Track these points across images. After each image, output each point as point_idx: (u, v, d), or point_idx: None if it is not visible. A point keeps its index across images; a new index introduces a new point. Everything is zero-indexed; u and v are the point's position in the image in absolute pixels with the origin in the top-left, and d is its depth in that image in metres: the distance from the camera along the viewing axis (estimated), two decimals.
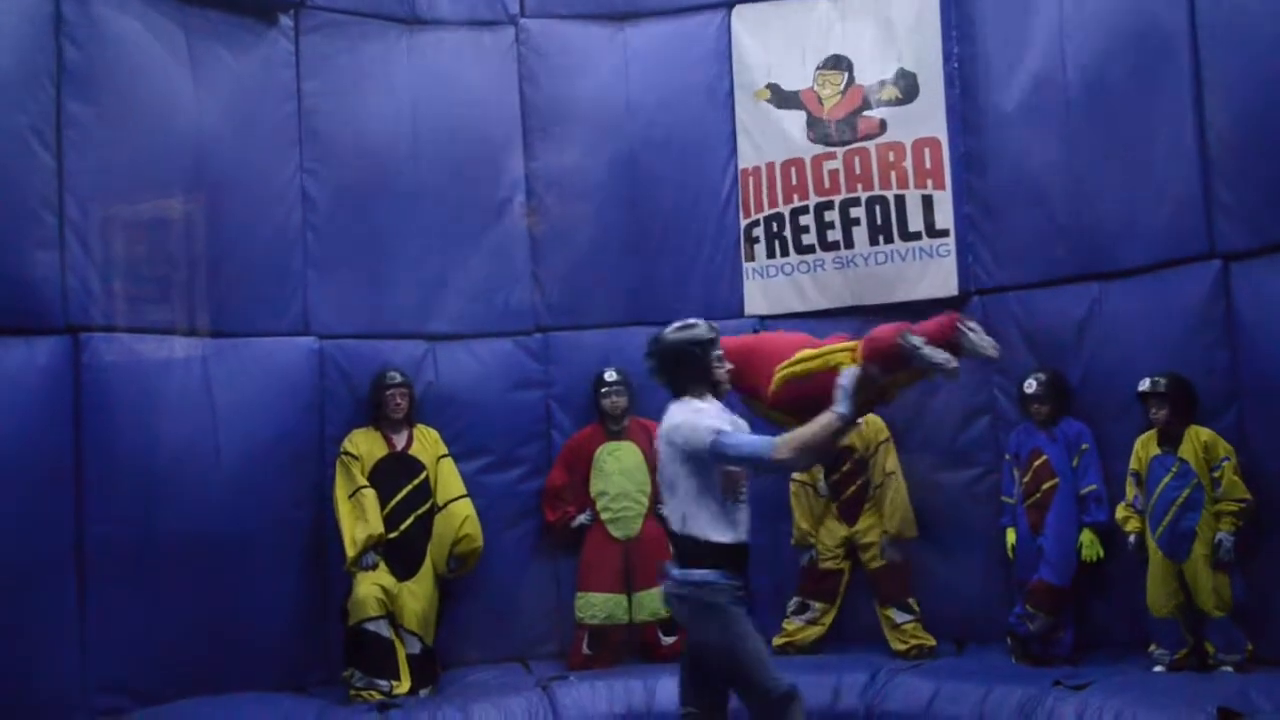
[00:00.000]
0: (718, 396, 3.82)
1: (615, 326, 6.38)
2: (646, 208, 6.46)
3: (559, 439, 6.26)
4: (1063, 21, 5.70)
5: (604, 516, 6.00)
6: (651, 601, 5.86)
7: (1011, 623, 5.49)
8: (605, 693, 5.38)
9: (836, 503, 5.99)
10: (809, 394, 3.67)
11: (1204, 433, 4.99)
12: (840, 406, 3.48)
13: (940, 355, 3.55)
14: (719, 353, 3.81)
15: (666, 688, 5.34)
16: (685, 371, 3.77)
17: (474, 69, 6.39)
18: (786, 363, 3.86)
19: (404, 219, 6.12)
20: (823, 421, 3.47)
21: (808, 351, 3.86)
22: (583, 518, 6.06)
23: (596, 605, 5.87)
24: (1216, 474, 4.92)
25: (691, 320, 3.87)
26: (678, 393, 3.78)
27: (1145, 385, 5.07)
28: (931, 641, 5.76)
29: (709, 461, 3.57)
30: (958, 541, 5.94)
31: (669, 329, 3.87)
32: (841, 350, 3.77)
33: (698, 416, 3.64)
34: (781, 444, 3.47)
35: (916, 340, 3.56)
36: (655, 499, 6.02)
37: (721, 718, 3.80)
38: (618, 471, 6.02)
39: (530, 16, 6.51)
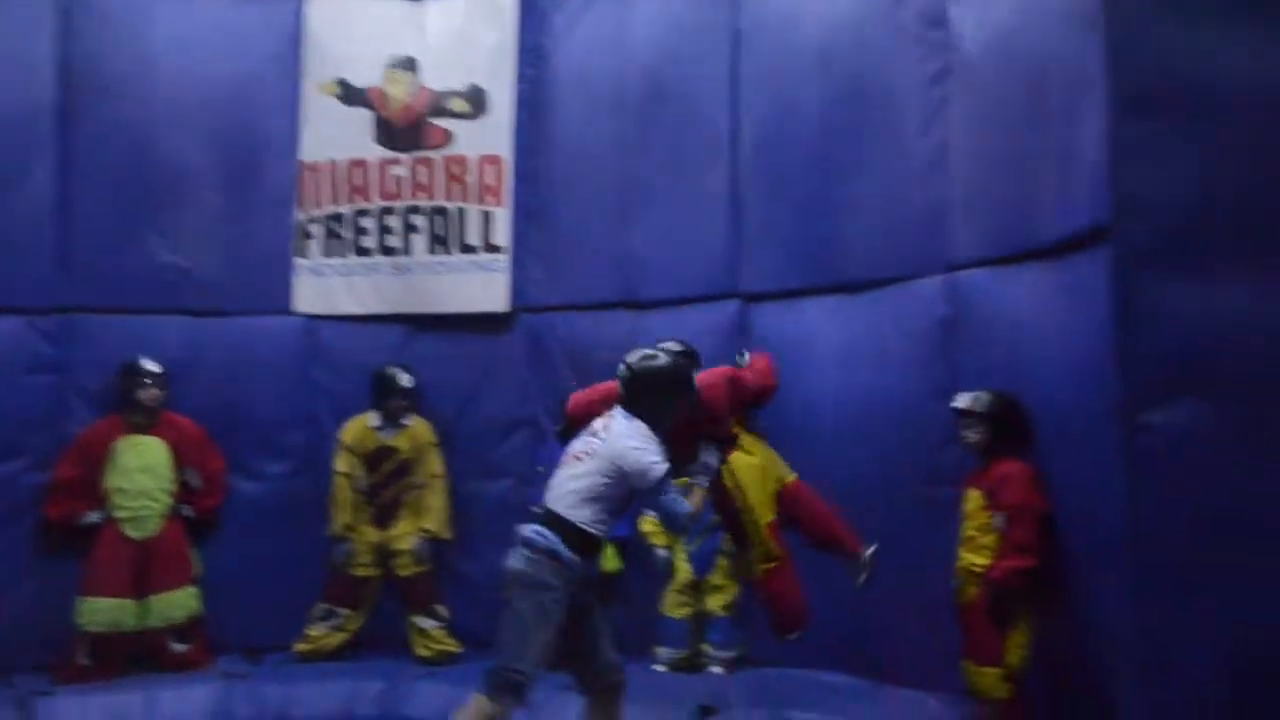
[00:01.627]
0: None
1: (144, 313, 5.97)
2: (199, 192, 6.11)
3: (73, 430, 5.73)
4: (624, 65, 6.07)
5: (119, 515, 5.55)
6: (166, 606, 5.52)
7: None
8: (97, 708, 4.96)
9: (372, 506, 5.91)
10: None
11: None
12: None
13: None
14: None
15: (169, 700, 5.07)
16: (662, 403, 3.89)
17: None
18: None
19: None
20: (700, 491, 3.97)
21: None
22: (93, 516, 5.57)
23: (101, 611, 5.40)
24: None
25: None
26: (640, 415, 3.87)
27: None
28: (457, 648, 5.80)
29: (639, 489, 3.78)
30: (489, 550, 6.06)
31: (671, 354, 4.03)
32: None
33: (652, 449, 3.79)
34: (689, 511, 3.83)
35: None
36: (179, 498, 5.69)
37: (586, 663, 3.98)
38: (139, 468, 5.61)
39: None
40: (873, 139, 5.19)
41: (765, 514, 4.14)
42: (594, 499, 3.83)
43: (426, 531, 5.90)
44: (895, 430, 4.94)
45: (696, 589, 5.53)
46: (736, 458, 4.13)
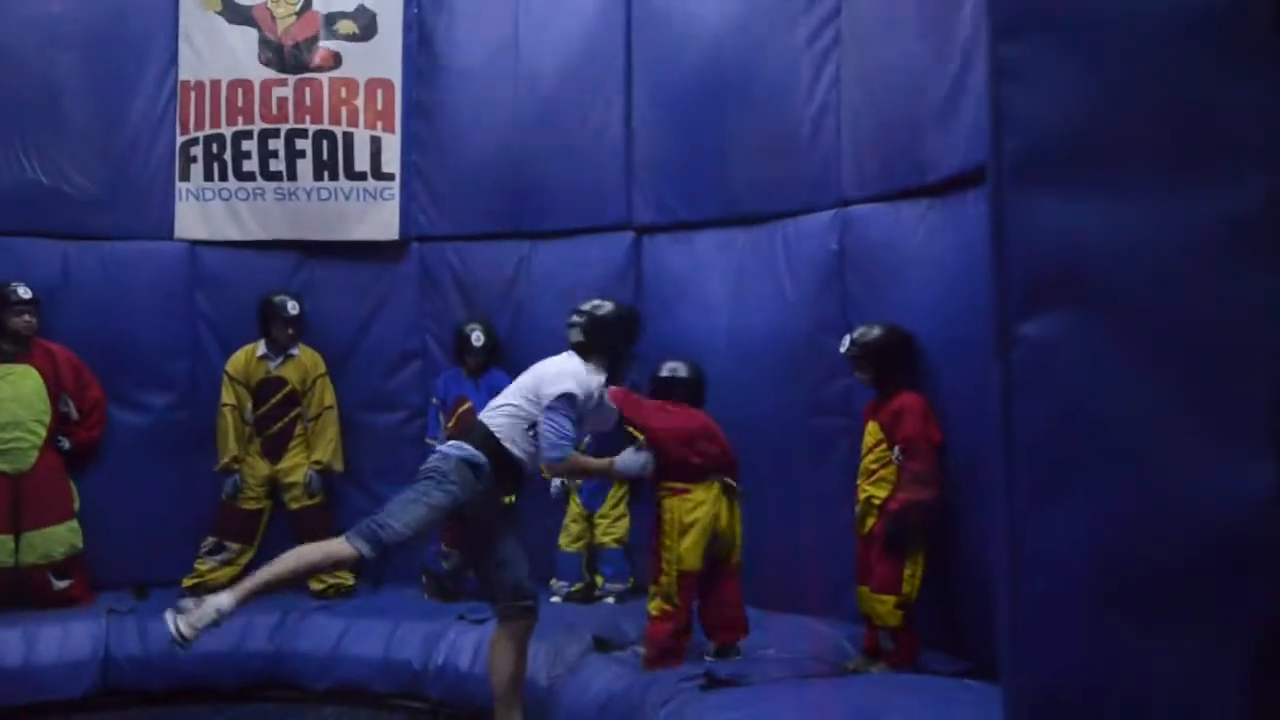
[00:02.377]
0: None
1: (17, 235, 5.73)
2: (71, 109, 5.83)
3: None
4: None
5: None
6: (44, 542, 5.36)
7: (427, 561, 5.67)
8: None
9: (261, 438, 5.82)
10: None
11: None
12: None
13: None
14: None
15: (50, 636, 4.95)
16: (607, 343, 4.15)
17: None
18: None
19: None
20: (596, 465, 4.37)
21: None
22: None
23: None
24: None
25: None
26: (594, 360, 4.12)
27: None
28: (350, 581, 5.74)
29: (539, 404, 3.97)
30: (381, 482, 6.04)
31: (614, 304, 4.26)
32: None
33: (572, 376, 4.03)
34: (564, 459, 3.99)
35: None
36: (54, 429, 5.50)
37: (491, 584, 4.14)
38: (11, 398, 5.40)
39: None
40: (765, 72, 5.18)
41: (688, 562, 4.21)
42: (513, 416, 4.02)
43: (318, 464, 5.84)
44: (787, 363, 5.03)
45: (589, 522, 5.60)
46: (681, 503, 4.24)
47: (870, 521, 4.24)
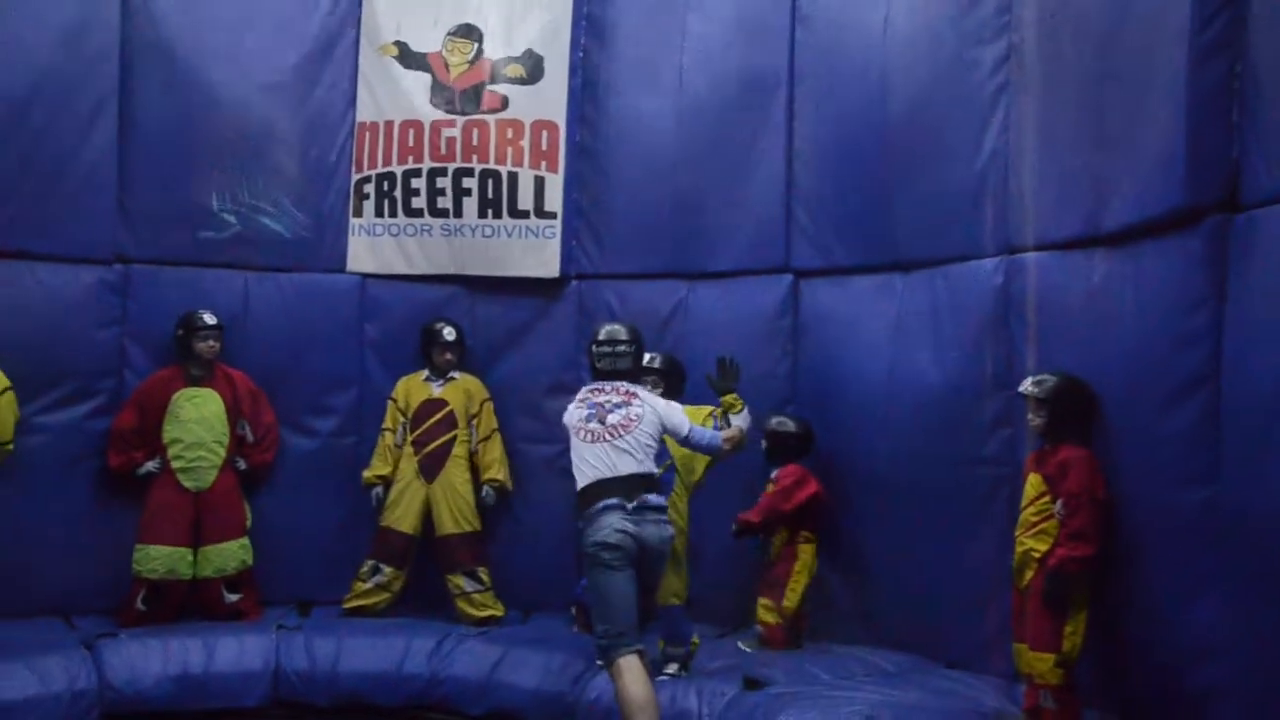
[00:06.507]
0: None
1: (205, 266, 6.07)
2: (255, 153, 6.17)
3: (132, 379, 5.85)
4: (685, 41, 6.09)
5: (175, 465, 5.67)
6: (219, 557, 5.64)
7: (578, 593, 5.71)
8: (159, 652, 5.08)
9: (418, 457, 5.97)
10: None
11: None
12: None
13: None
14: None
15: (228, 647, 5.20)
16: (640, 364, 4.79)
17: None
18: None
19: None
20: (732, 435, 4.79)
21: None
22: (150, 465, 5.69)
23: (158, 559, 5.53)
24: None
25: None
26: (637, 379, 4.71)
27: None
28: (500, 611, 5.87)
29: (680, 432, 4.54)
30: (531, 513, 6.18)
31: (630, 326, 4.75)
32: None
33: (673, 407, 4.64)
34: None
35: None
36: (232, 451, 5.79)
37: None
38: (195, 419, 5.72)
39: None
40: (933, 112, 5.12)
41: None
42: (651, 455, 4.44)
43: (495, 481, 5.99)
44: (948, 410, 4.97)
45: None
46: None
47: (1029, 575, 4.16)
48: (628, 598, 4.23)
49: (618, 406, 4.43)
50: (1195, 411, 3.64)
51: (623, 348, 4.59)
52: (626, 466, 4.32)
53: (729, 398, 4.92)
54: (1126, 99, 4.01)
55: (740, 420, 4.88)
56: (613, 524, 4.22)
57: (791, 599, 5.27)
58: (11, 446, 5.20)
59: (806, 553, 5.33)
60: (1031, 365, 4.46)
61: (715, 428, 4.84)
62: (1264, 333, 3.38)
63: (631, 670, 4.13)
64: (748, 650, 5.26)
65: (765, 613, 5.33)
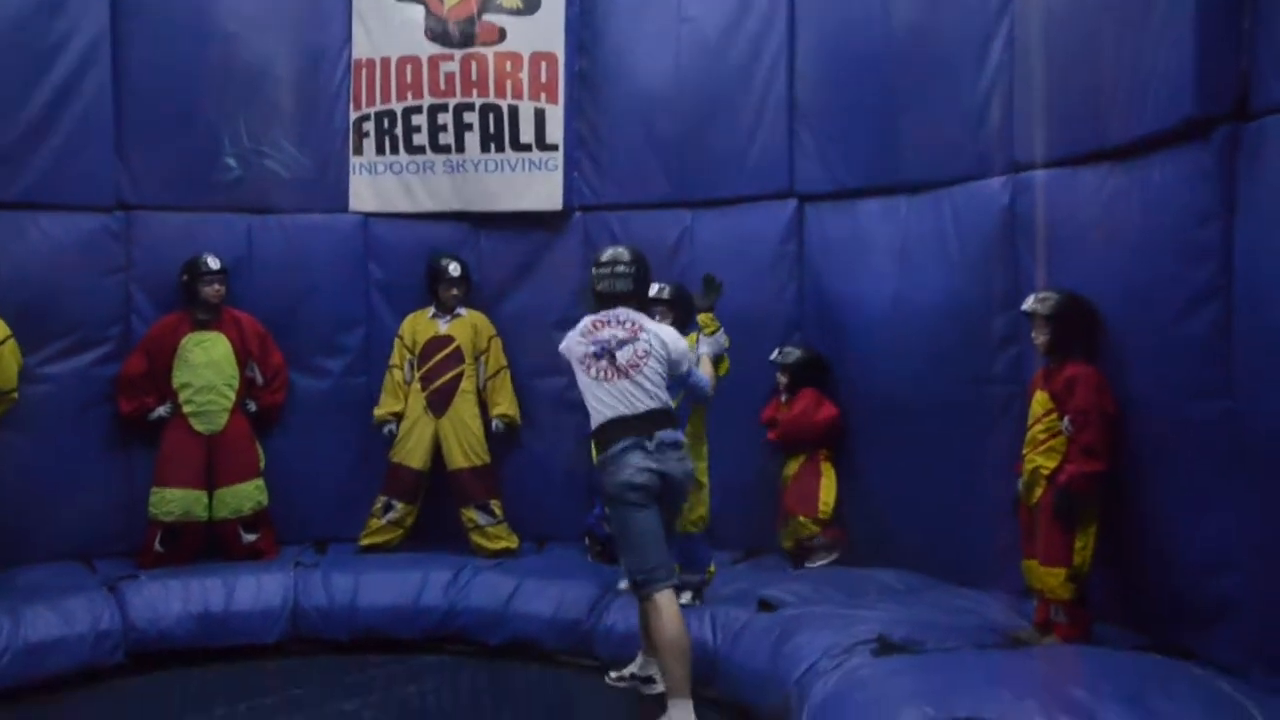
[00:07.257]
0: None
1: (208, 210, 6.03)
2: (252, 94, 6.10)
3: (139, 325, 5.85)
4: None
5: (186, 409, 5.69)
6: (234, 498, 5.69)
7: (590, 523, 5.80)
8: (180, 592, 5.14)
9: (425, 393, 5.97)
10: None
11: None
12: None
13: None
14: None
15: (247, 586, 5.26)
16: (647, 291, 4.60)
17: None
18: None
19: None
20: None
21: None
22: (162, 410, 5.72)
23: (173, 501, 5.57)
24: None
25: None
26: (642, 307, 4.48)
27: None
28: (514, 543, 5.92)
29: (679, 368, 4.37)
30: (542, 445, 6.21)
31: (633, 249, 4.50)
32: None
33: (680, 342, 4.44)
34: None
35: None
36: (242, 393, 5.81)
37: None
38: (204, 363, 5.73)
39: None
40: (934, 31, 5.07)
41: None
42: (663, 386, 4.33)
43: (505, 416, 6.03)
44: (954, 330, 4.96)
45: None
46: None
47: (1038, 492, 4.18)
48: (656, 533, 4.20)
49: (624, 343, 4.28)
50: (1206, 325, 3.64)
51: (622, 268, 4.39)
52: (643, 403, 4.23)
53: (704, 317, 4.82)
54: (1133, 8, 3.94)
55: (712, 344, 4.77)
56: (636, 463, 4.15)
57: (826, 505, 5.44)
58: (16, 395, 5.22)
59: (828, 469, 5.50)
60: (1040, 284, 4.45)
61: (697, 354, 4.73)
62: (1275, 244, 3.36)
63: (668, 609, 4.11)
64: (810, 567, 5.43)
65: (802, 527, 5.46)
